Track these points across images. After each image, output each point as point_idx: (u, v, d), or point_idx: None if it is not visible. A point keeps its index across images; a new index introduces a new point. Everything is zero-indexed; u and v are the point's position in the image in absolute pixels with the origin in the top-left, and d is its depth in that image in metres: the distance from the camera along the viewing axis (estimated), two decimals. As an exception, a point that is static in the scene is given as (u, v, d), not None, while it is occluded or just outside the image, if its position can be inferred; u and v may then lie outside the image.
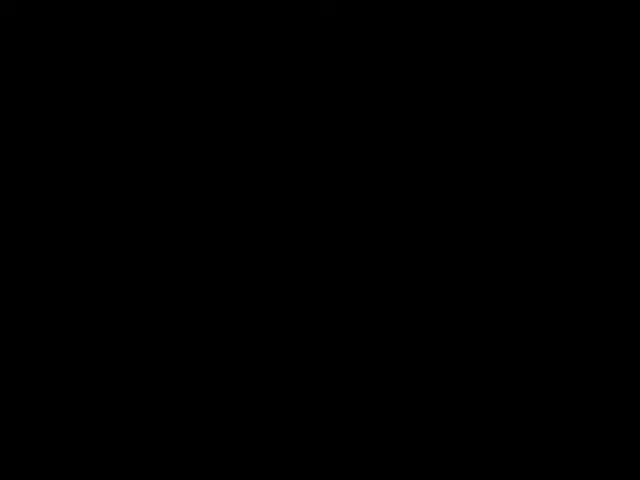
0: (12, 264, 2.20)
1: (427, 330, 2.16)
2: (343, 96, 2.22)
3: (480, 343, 2.15)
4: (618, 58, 2.19)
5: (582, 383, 2.13)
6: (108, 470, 2.14)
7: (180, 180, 2.21)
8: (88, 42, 2.23)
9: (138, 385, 2.17)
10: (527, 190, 2.18)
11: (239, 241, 2.20)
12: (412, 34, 2.21)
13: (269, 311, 2.18)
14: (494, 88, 2.20)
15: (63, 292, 2.19)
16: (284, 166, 2.21)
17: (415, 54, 2.21)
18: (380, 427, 2.14)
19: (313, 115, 2.22)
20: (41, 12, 2.23)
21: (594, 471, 2.11)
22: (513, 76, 2.20)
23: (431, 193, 2.19)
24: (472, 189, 2.19)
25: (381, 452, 2.14)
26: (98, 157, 2.22)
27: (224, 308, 2.18)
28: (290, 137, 2.22)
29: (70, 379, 2.17)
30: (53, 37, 2.23)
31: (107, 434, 2.15)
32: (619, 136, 2.18)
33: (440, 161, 2.20)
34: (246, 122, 2.22)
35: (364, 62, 2.21)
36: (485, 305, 2.16)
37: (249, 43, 2.23)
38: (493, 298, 2.16)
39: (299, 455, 2.14)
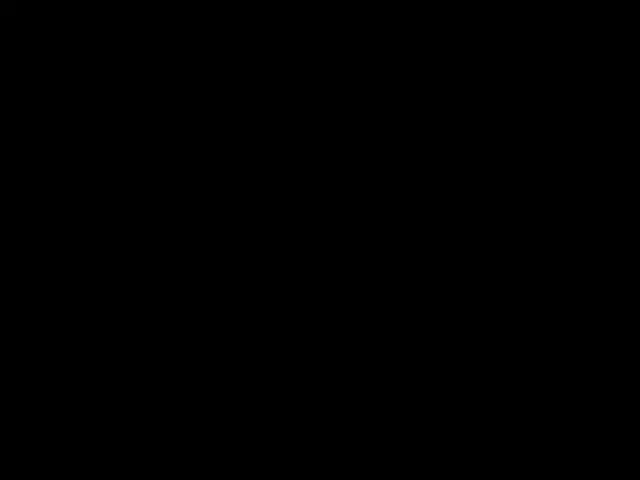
0: (12, 264, 2.20)
1: (427, 330, 2.16)
2: (339, 96, 2.22)
3: (480, 343, 2.16)
4: (618, 58, 2.19)
5: (582, 383, 2.13)
6: (108, 470, 2.14)
7: (180, 180, 2.21)
8: (88, 42, 2.23)
9: (138, 385, 2.17)
10: (527, 190, 2.18)
11: (239, 241, 2.20)
12: (408, 34, 2.21)
13: (269, 311, 2.18)
14: (492, 88, 2.20)
15: (63, 292, 2.19)
16: (281, 166, 2.21)
17: (411, 54, 2.21)
18: (380, 427, 2.14)
19: (310, 115, 2.22)
20: (41, 12, 2.23)
21: (594, 471, 2.11)
22: (512, 75, 2.20)
23: (430, 192, 2.19)
24: (472, 189, 2.19)
25: (381, 452, 2.14)
26: (98, 157, 2.22)
27: (224, 308, 2.18)
28: (288, 137, 2.22)
29: (70, 379, 2.17)
30: (53, 37, 2.23)
31: (107, 434, 2.15)
32: (619, 136, 2.18)
33: (438, 161, 2.20)
34: (243, 121, 2.23)
35: (362, 62, 2.22)
36: (485, 305, 2.16)
37: (243, 42, 2.23)
38: (493, 298, 2.16)
39: (299, 455, 2.15)
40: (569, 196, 2.17)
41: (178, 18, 2.23)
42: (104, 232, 2.20)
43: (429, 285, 2.17)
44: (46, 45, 2.23)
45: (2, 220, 2.20)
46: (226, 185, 2.21)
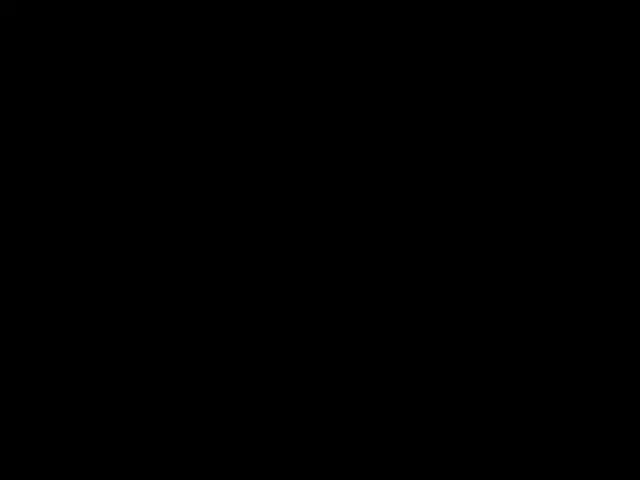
0: (12, 264, 2.20)
1: (427, 330, 2.16)
2: (339, 96, 2.22)
3: (480, 343, 2.16)
4: (618, 58, 2.19)
5: (582, 383, 2.13)
6: (108, 470, 2.14)
7: (180, 180, 2.21)
8: (88, 42, 2.23)
9: (138, 385, 2.17)
10: (527, 190, 2.18)
11: (239, 241, 2.20)
12: (408, 34, 2.22)
13: (269, 311, 2.18)
14: (492, 88, 2.20)
15: (63, 292, 2.19)
16: (281, 166, 2.21)
17: (411, 54, 2.21)
18: (380, 427, 2.14)
19: (310, 115, 2.22)
20: (41, 12, 2.23)
21: (594, 471, 2.11)
22: (513, 76, 2.20)
23: (430, 192, 2.19)
24: (472, 189, 2.19)
25: (381, 452, 2.14)
26: (98, 157, 2.22)
27: (224, 308, 2.18)
28: (288, 137, 2.22)
29: (70, 379, 2.17)
30: (53, 37, 2.23)
31: (107, 434, 2.15)
32: (619, 136, 2.18)
33: (438, 160, 2.20)
34: (242, 121, 2.23)
35: (362, 62, 2.22)
36: (485, 305, 2.16)
37: (243, 42, 2.23)
38: (493, 298, 2.16)
39: (299, 455, 2.15)
40: (569, 196, 2.18)
41: (178, 18, 2.23)
42: (104, 232, 2.20)
43: (429, 285, 2.17)
44: (46, 45, 2.23)
45: (2, 220, 2.20)
46: (226, 185, 2.21)
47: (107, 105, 2.22)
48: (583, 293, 2.15)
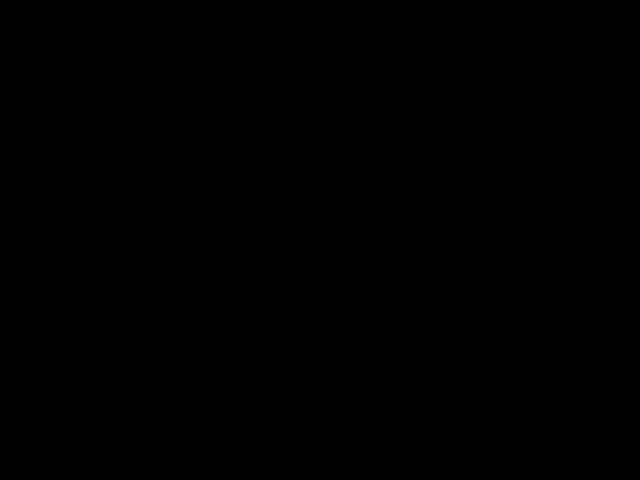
0: (12, 264, 2.20)
1: (427, 330, 2.16)
2: (339, 96, 2.22)
3: (480, 343, 2.16)
4: (618, 58, 2.19)
5: (582, 383, 2.13)
6: (108, 470, 2.14)
7: (180, 180, 2.22)
8: (88, 42, 2.23)
9: (138, 385, 2.17)
10: (527, 190, 2.18)
11: (239, 241, 2.20)
12: (408, 34, 2.22)
13: (269, 311, 2.18)
14: (492, 88, 2.20)
15: (63, 292, 2.19)
16: (281, 166, 2.21)
17: (411, 54, 2.21)
18: (380, 427, 2.14)
19: (310, 115, 2.22)
20: (41, 12, 2.23)
21: (594, 471, 2.11)
22: (513, 76, 2.20)
23: (430, 193, 2.20)
24: (472, 189, 2.19)
25: (381, 452, 2.14)
26: (98, 157, 2.22)
27: (224, 308, 2.18)
28: (288, 137, 2.22)
29: (70, 379, 2.17)
30: (53, 37, 2.23)
31: (107, 434, 2.15)
32: (619, 136, 2.18)
33: (438, 161, 2.20)
34: (242, 122, 2.23)
35: (362, 62, 2.22)
36: (485, 305, 2.16)
37: (243, 42, 2.23)
38: (493, 298, 2.16)
39: (299, 455, 2.15)
40: (569, 196, 2.18)
41: (178, 18, 2.23)
42: (104, 232, 2.20)
43: (429, 285, 2.17)
44: (46, 45, 2.23)
45: (2, 220, 2.20)
46: (226, 185, 2.21)
47: (107, 105, 2.22)
48: (583, 293, 2.15)
